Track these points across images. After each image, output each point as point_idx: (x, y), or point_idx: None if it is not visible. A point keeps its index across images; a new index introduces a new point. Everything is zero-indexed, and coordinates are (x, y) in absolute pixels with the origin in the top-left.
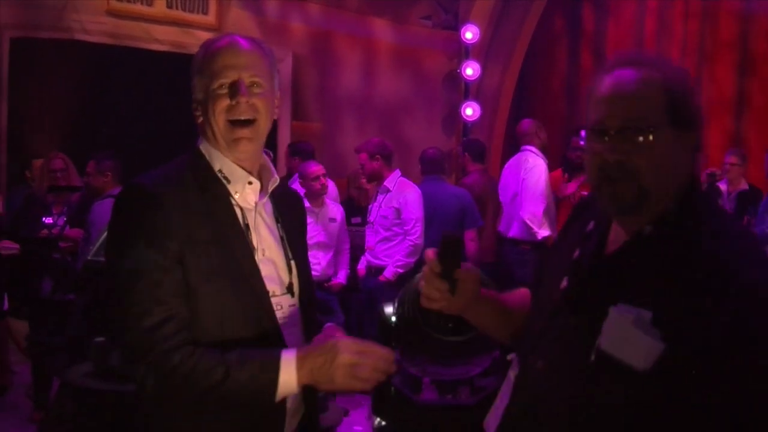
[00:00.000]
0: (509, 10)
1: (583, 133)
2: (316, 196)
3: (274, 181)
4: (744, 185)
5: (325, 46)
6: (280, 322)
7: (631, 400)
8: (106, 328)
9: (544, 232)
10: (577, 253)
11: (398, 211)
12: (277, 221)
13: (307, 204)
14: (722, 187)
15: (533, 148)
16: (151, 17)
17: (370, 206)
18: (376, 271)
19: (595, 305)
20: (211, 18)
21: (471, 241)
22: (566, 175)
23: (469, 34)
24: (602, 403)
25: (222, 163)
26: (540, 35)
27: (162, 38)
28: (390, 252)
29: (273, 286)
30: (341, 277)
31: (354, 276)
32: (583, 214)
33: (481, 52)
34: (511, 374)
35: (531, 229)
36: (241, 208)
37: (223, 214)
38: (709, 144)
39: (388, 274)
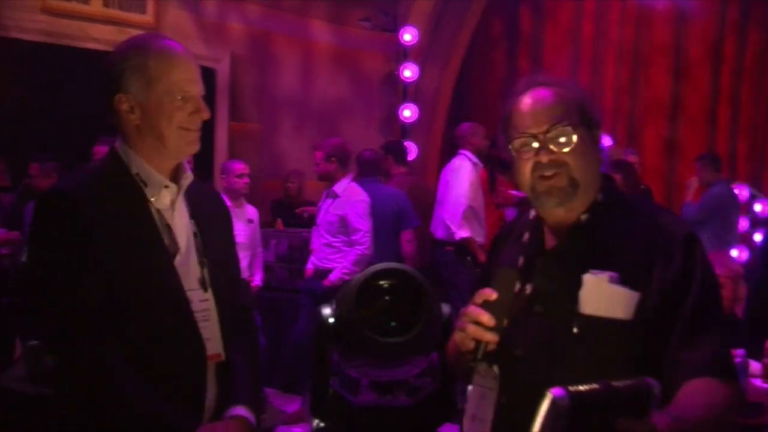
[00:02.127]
0: (448, 13)
1: None
2: (238, 194)
3: (188, 177)
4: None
5: (263, 46)
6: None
7: (620, 353)
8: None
9: (462, 233)
10: (521, 260)
11: (344, 220)
12: (192, 217)
13: (228, 203)
14: None
15: (467, 152)
16: (87, 15)
17: (318, 204)
18: (322, 273)
19: (554, 291)
20: (148, 17)
21: (408, 242)
22: (497, 176)
23: (408, 36)
24: (589, 367)
25: (139, 167)
26: (478, 38)
27: (99, 37)
28: (335, 257)
29: (187, 282)
30: (258, 280)
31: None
32: (511, 233)
33: (420, 54)
34: (477, 381)
35: (450, 228)
36: (158, 210)
37: (139, 216)
38: (644, 147)
39: (334, 278)
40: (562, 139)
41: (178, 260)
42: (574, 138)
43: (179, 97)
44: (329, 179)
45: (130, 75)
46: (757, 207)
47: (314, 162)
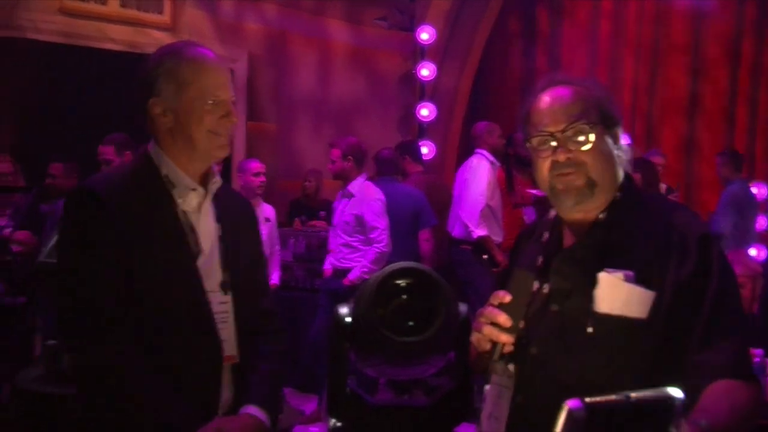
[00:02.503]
0: (465, 12)
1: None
2: (254, 193)
3: (216, 182)
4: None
5: (280, 46)
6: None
7: (634, 353)
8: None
9: (480, 231)
10: (540, 260)
11: (360, 219)
12: (218, 221)
13: None
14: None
15: (483, 151)
16: (104, 16)
17: (333, 205)
18: (341, 273)
19: (570, 289)
20: (165, 17)
21: (425, 241)
22: (515, 175)
23: (425, 35)
24: (604, 367)
25: (169, 169)
26: (496, 37)
27: (116, 38)
28: (354, 257)
29: (209, 283)
30: (275, 279)
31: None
32: (533, 233)
33: (437, 53)
34: (494, 380)
35: (467, 227)
36: (185, 212)
37: (165, 217)
38: (662, 145)
39: (353, 277)
40: (580, 138)
41: (200, 262)
42: (592, 137)
43: (210, 102)
44: (344, 178)
45: (163, 80)
46: None
47: (330, 159)
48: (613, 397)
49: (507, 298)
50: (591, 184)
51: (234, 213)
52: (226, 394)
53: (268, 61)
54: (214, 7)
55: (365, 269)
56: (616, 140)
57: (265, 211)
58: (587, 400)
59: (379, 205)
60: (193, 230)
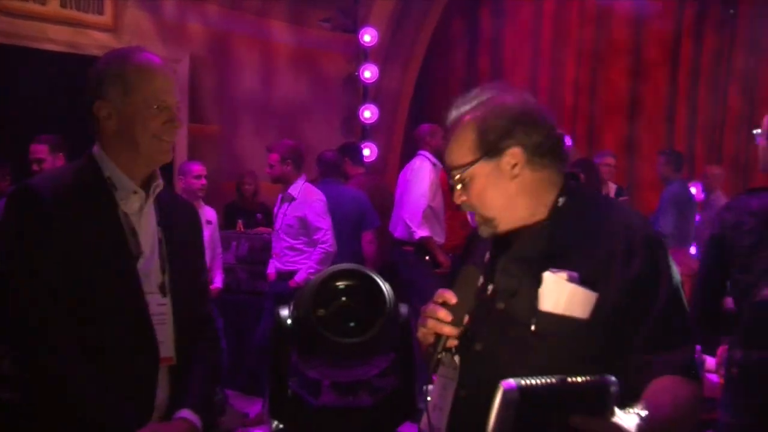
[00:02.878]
0: (408, 14)
1: None
2: (196, 196)
3: (158, 185)
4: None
5: (223, 47)
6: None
7: (577, 352)
8: None
9: (422, 232)
10: (488, 256)
11: (303, 221)
12: (159, 224)
13: None
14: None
15: (426, 153)
16: (44, 16)
17: (274, 209)
18: (285, 275)
19: (516, 288)
20: (106, 18)
21: (368, 243)
22: None
23: (368, 36)
24: (548, 365)
25: (111, 171)
26: (438, 39)
27: (56, 38)
28: (299, 259)
29: (147, 285)
30: (218, 282)
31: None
32: None
33: (380, 55)
34: (441, 372)
35: (410, 228)
36: (126, 213)
37: (107, 219)
38: (603, 146)
39: (300, 279)
40: (460, 186)
41: (140, 264)
42: (473, 180)
43: (155, 107)
44: (284, 181)
45: (110, 83)
46: None
47: (268, 164)
48: (548, 379)
49: (453, 299)
50: (488, 221)
51: (176, 217)
52: (162, 395)
53: (210, 62)
54: (156, 8)
55: (311, 270)
56: (504, 168)
57: (207, 213)
58: (522, 381)
59: (321, 205)
60: (134, 232)
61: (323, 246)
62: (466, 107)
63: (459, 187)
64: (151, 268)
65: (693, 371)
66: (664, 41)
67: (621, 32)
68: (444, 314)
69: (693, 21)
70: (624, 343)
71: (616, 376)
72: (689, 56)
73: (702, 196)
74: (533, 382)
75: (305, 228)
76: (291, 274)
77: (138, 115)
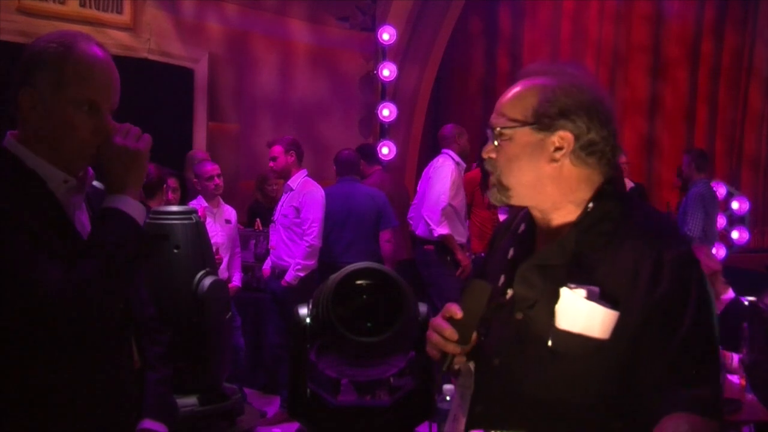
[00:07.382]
0: (426, 12)
1: None
2: (211, 196)
3: (91, 178)
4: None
5: (241, 46)
6: None
7: (596, 372)
8: None
9: (441, 230)
10: (511, 252)
11: (298, 210)
12: (92, 220)
13: (204, 203)
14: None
15: (451, 152)
16: (63, 16)
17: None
18: (280, 272)
19: (535, 299)
20: (125, 17)
21: (386, 242)
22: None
23: (386, 35)
24: (563, 384)
25: (35, 163)
26: (457, 37)
27: None
28: (292, 253)
29: None
30: (236, 280)
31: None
32: (510, 225)
33: (398, 53)
34: (461, 382)
35: (429, 225)
36: (61, 204)
37: (50, 208)
38: (623, 145)
39: (289, 278)
40: (496, 142)
41: None
42: (511, 139)
43: (86, 108)
44: (286, 174)
45: (42, 71)
46: (735, 204)
47: (271, 157)
48: None
49: (458, 314)
50: (502, 188)
51: None
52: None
53: (229, 60)
54: (175, 7)
55: (298, 266)
56: (550, 145)
57: (226, 212)
58: None
59: (317, 197)
60: (80, 222)
61: (307, 239)
62: (545, 70)
63: (495, 142)
64: None
65: (712, 410)
66: (684, 40)
67: (640, 31)
68: (450, 332)
69: (713, 19)
70: (646, 366)
71: (632, 399)
72: (709, 55)
73: (725, 194)
74: None
75: (298, 218)
76: (284, 271)
77: (66, 116)
